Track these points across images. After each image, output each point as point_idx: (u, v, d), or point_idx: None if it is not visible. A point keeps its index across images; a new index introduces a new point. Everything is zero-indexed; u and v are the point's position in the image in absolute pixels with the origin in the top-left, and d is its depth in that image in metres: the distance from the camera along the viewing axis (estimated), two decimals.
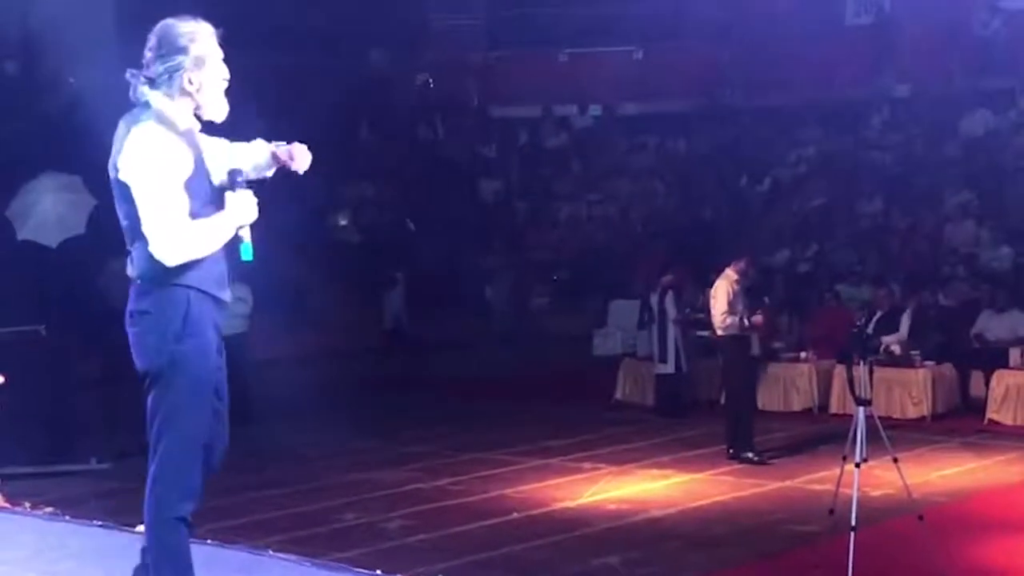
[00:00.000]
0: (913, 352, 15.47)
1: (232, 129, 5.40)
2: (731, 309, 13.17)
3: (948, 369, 15.64)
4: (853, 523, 9.31)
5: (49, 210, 15.47)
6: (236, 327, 16.41)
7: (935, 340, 15.99)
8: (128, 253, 5.26)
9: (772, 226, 20.22)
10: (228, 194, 5.24)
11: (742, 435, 13.15)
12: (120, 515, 9.28)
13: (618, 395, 17.23)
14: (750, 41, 22.44)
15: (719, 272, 13.83)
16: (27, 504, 8.89)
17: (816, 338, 16.45)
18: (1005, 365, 15.04)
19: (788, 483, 12.08)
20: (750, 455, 13.02)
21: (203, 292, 5.23)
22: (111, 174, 5.26)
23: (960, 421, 15.07)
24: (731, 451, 13.14)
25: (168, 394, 5.21)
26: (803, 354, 16.34)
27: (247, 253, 5.25)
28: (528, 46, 24.97)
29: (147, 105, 5.26)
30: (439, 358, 18.94)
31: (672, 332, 16.50)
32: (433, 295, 19.83)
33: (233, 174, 5.25)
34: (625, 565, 9.63)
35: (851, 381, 10.57)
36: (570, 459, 13.36)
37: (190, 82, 5.25)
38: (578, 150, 24.86)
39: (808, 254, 19.27)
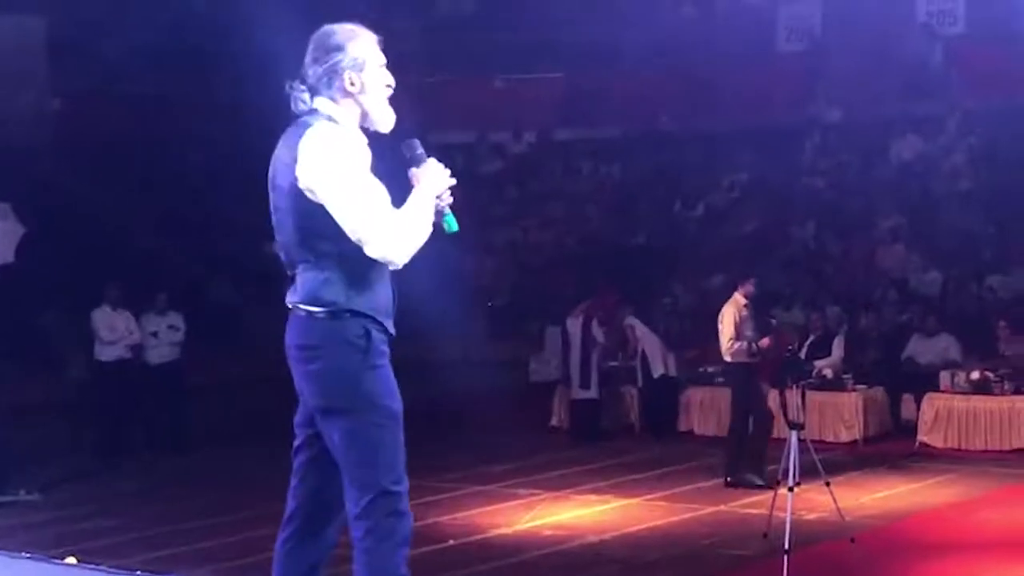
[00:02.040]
0: (845, 376, 15.59)
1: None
2: (738, 334, 12.84)
3: (879, 393, 15.81)
4: (787, 546, 9.37)
5: None
6: (168, 355, 16.40)
7: (867, 364, 16.16)
8: (290, 279, 4.94)
9: (706, 251, 20.30)
10: (413, 170, 4.92)
11: (750, 460, 12.82)
12: (49, 547, 9.46)
13: (554, 421, 17.32)
14: (683, 67, 22.58)
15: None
16: None
17: None
18: (935, 388, 15.16)
19: (722, 507, 12.09)
20: (755, 479, 12.68)
21: (378, 323, 4.90)
22: (284, 186, 4.85)
23: (892, 444, 15.21)
24: (729, 480, 12.89)
25: (356, 431, 4.91)
26: None
27: (452, 224, 4.91)
28: (463, 72, 24.99)
29: (312, 113, 4.95)
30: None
31: (594, 358, 16.68)
32: None
33: (412, 145, 4.95)
34: None
35: (784, 405, 10.66)
36: (506, 485, 13.35)
37: (351, 83, 4.97)
38: (513, 176, 24.89)
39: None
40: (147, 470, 15.01)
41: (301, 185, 4.82)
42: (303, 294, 4.88)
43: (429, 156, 4.94)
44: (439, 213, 4.89)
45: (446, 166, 4.93)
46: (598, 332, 16.72)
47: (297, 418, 5.08)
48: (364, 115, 5.01)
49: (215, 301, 19.96)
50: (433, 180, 4.92)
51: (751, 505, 11.86)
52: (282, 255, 4.97)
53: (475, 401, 17.09)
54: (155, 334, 16.47)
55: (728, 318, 12.89)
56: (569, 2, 22.58)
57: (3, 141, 20.11)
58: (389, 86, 5.07)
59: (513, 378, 18.73)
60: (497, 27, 24.44)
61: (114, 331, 16.27)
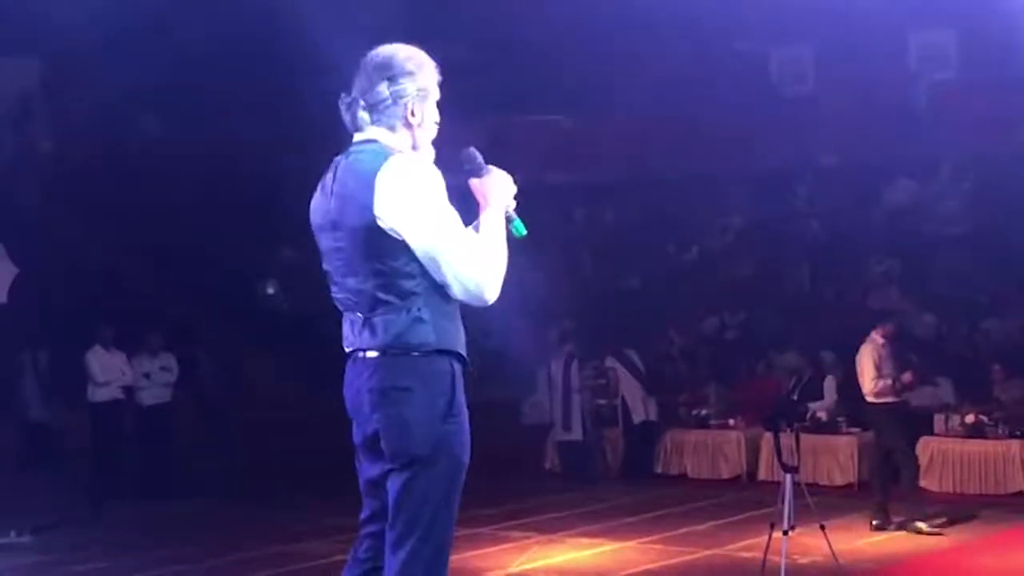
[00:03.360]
0: (839, 419, 15.54)
1: None
2: (879, 373, 12.62)
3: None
4: None
5: None
6: (160, 396, 16.34)
7: (861, 407, 16.09)
8: (365, 320, 4.63)
9: (700, 294, 20.29)
10: (474, 181, 4.76)
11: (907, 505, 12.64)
12: None
13: (547, 464, 17.27)
14: (676, 110, 22.64)
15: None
16: None
17: (745, 405, 16.49)
18: (930, 432, 15.10)
19: (716, 551, 11.99)
20: (922, 526, 12.47)
21: (462, 358, 4.68)
22: (357, 225, 4.55)
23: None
24: (875, 523, 12.62)
25: (427, 483, 4.62)
26: (731, 421, 16.34)
27: (520, 229, 4.77)
28: (454, 114, 25.01)
29: (370, 142, 4.69)
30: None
31: (576, 400, 16.71)
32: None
33: (472, 155, 4.79)
34: None
35: (778, 448, 10.61)
36: (499, 528, 13.26)
37: (412, 114, 4.75)
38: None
39: (736, 322, 19.40)
40: (138, 513, 14.86)
41: (384, 224, 4.57)
42: (391, 337, 4.59)
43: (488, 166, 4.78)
44: (508, 220, 4.76)
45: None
46: (577, 374, 16.73)
47: (368, 475, 4.75)
48: (414, 148, 4.78)
49: (207, 342, 19.92)
50: (501, 191, 4.78)
51: (745, 548, 11.78)
52: (347, 298, 4.69)
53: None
54: (148, 375, 16.39)
55: (867, 358, 12.70)
56: (562, 45, 22.62)
57: None
58: (437, 123, 4.89)
59: (506, 421, 18.56)
60: (490, 71, 24.48)
61: (107, 372, 16.21)
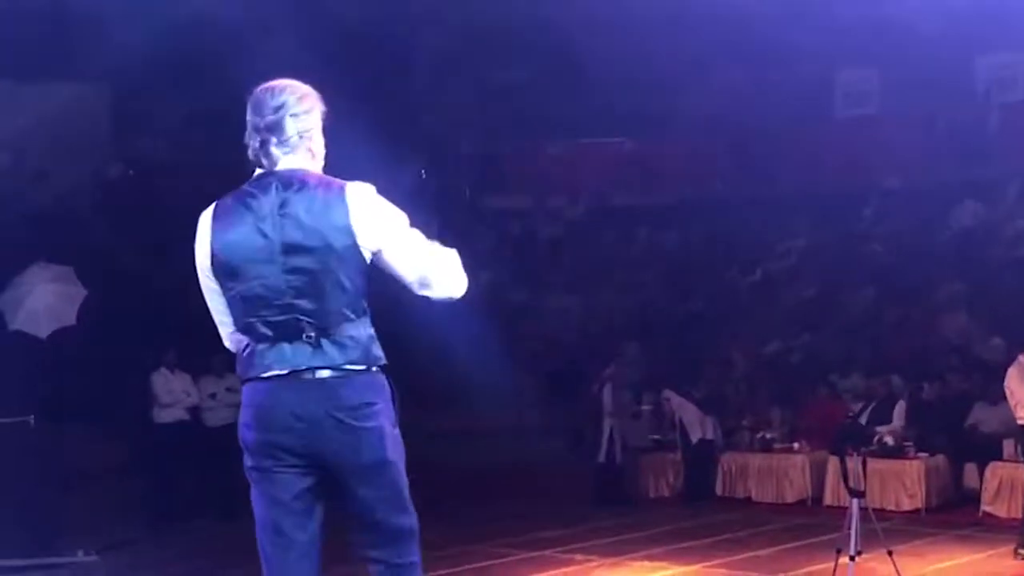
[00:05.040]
0: (907, 443, 15.42)
1: None
2: None
3: (942, 461, 15.57)
4: None
5: (39, 301, 15.44)
6: (227, 418, 16.33)
7: (929, 432, 15.94)
8: (318, 340, 4.84)
9: (763, 317, 20.20)
10: None
11: None
12: None
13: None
14: (741, 133, 22.59)
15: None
16: None
17: (809, 428, 16.41)
18: (999, 457, 14.93)
19: None
20: None
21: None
22: (334, 247, 4.80)
23: (954, 514, 14.97)
24: (1020, 551, 12.35)
25: (390, 483, 4.99)
26: (796, 445, 16.28)
27: None
28: (520, 138, 25.10)
29: (292, 170, 4.91)
30: (423, 449, 18.74)
31: (607, 424, 16.82)
32: (424, 386, 19.77)
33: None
34: None
35: (844, 472, 10.54)
36: (562, 551, 13.25)
37: (319, 146, 5.03)
38: (570, 241, 24.93)
39: (799, 344, 19.29)
40: (200, 533, 14.98)
41: (363, 243, 4.83)
42: (358, 353, 4.85)
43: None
44: None
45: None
46: (608, 397, 16.88)
47: (294, 491, 4.99)
48: None
49: None
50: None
51: (811, 574, 11.65)
52: (291, 319, 4.84)
53: (529, 466, 17.14)
54: (213, 396, 16.56)
55: (1015, 380, 12.50)
56: (624, 68, 22.61)
57: (66, 206, 20.40)
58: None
59: (568, 443, 18.66)
60: (552, 94, 24.56)
61: (172, 394, 16.42)
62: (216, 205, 5.02)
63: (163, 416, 16.44)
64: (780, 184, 22.31)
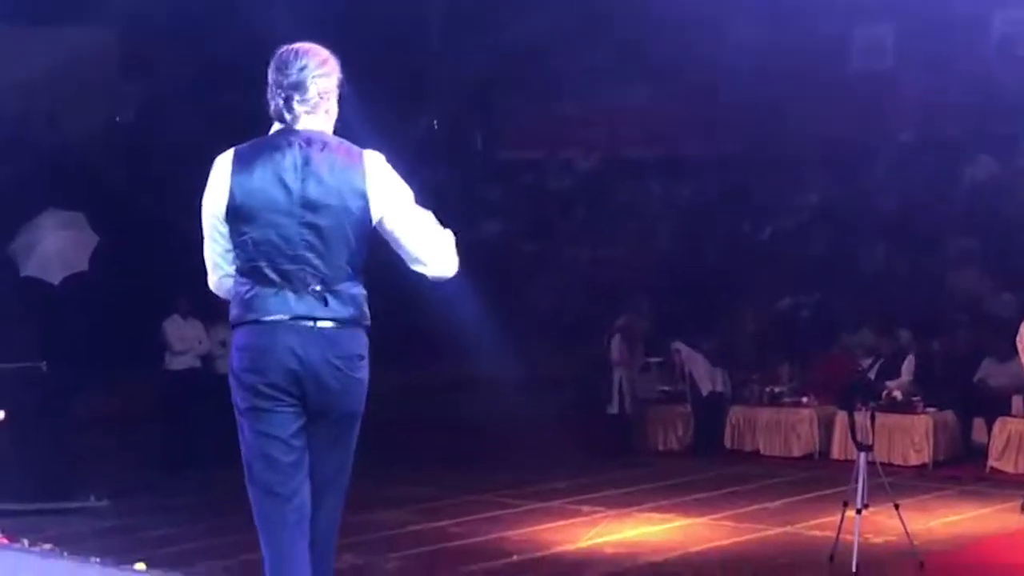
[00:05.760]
0: (915, 398, 15.47)
1: None
2: None
3: (950, 416, 15.63)
4: (854, 569, 9.38)
5: (51, 247, 15.43)
6: None
7: (938, 386, 16.00)
8: (322, 292, 4.96)
9: (774, 272, 20.21)
10: None
11: None
12: (118, 553, 9.40)
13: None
14: (756, 88, 22.49)
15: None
16: (25, 541, 8.83)
17: (818, 383, 16.42)
18: (1007, 412, 14.98)
19: (788, 528, 12.05)
20: None
21: None
22: (348, 208, 4.96)
23: (962, 468, 15.04)
24: None
25: (352, 438, 5.16)
26: (804, 399, 16.32)
27: None
28: (533, 90, 25.05)
29: (311, 130, 5.03)
30: (436, 400, 18.95)
31: (616, 375, 16.96)
32: (433, 337, 19.77)
33: None
34: None
35: (853, 426, 10.59)
36: (570, 502, 13.38)
37: (331, 109, 5.12)
38: (582, 194, 24.91)
39: (810, 300, 19.28)
40: (211, 480, 14.71)
41: (374, 209, 5.02)
42: (354, 308, 5.03)
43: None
44: None
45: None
46: (616, 349, 16.99)
47: (291, 429, 5.03)
48: None
49: None
50: None
51: (818, 527, 11.76)
52: (299, 270, 4.96)
53: (538, 417, 17.11)
54: (224, 343, 16.25)
55: None
56: (640, 24, 22.56)
57: (77, 152, 20.39)
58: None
59: (580, 396, 18.70)
60: (566, 47, 24.47)
61: (184, 341, 16.47)
62: (235, 151, 5.12)
63: (175, 363, 16.48)
64: (794, 139, 22.22)
